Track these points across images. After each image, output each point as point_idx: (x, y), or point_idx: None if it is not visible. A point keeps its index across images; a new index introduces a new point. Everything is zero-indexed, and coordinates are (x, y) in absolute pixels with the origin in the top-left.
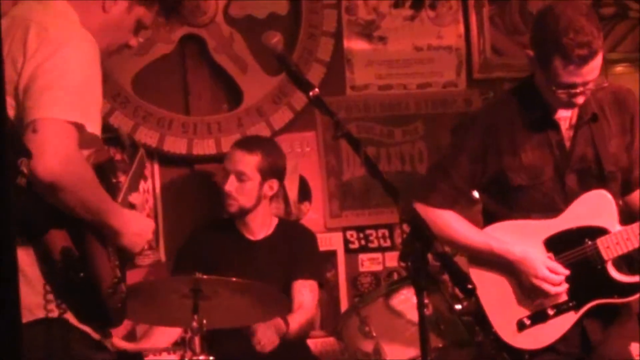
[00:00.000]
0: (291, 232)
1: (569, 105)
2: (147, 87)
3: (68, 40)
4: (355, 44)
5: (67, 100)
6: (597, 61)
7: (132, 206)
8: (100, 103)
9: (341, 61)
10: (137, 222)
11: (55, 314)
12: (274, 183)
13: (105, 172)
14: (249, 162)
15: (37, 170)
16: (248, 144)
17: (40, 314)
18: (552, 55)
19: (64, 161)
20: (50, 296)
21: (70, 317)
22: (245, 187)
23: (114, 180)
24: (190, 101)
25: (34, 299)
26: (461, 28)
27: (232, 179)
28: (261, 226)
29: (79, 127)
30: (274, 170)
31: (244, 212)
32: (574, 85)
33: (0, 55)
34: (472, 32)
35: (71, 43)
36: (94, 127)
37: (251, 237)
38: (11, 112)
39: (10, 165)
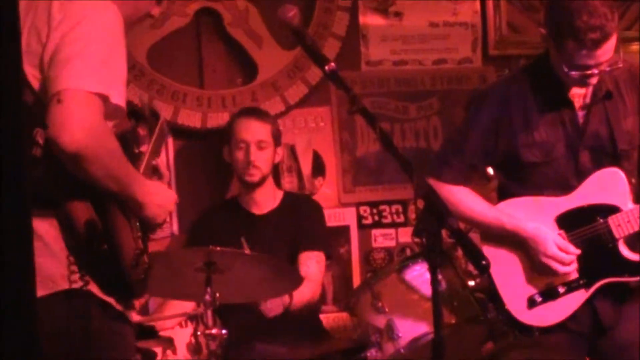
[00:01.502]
0: (297, 205)
1: (583, 84)
2: (162, 60)
3: (92, 11)
4: (370, 19)
5: (91, 71)
6: (611, 43)
7: (154, 175)
8: (125, 74)
9: (356, 36)
10: (160, 193)
11: (78, 285)
12: (280, 149)
13: (128, 143)
14: (266, 130)
15: (62, 141)
16: (258, 113)
17: (64, 285)
18: (565, 38)
19: (88, 132)
20: (74, 267)
21: (93, 288)
22: (265, 154)
23: (137, 151)
24: (204, 75)
25: (58, 270)
26: (477, 4)
27: (253, 148)
28: (267, 199)
29: (104, 98)
30: (280, 137)
31: (263, 180)
32: (587, 67)
33: (18, 28)
34: (488, 8)
35: (95, 14)
36: (119, 98)
37: (257, 212)
38: (36, 83)
39: (26, 135)
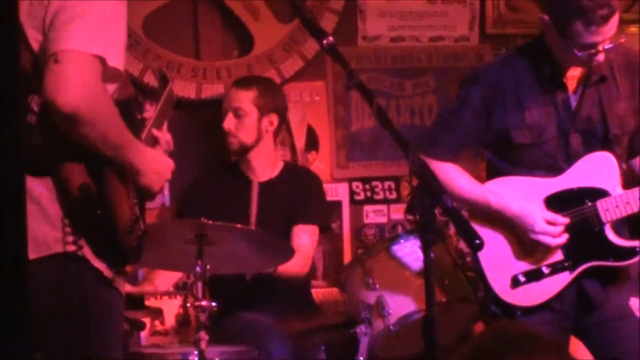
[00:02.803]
0: (296, 176)
1: (589, 63)
2: (158, 30)
3: None
4: None
5: (90, 33)
6: (616, 18)
7: (155, 142)
8: (125, 38)
9: (354, 11)
10: (158, 160)
11: (72, 248)
12: (274, 117)
13: (129, 108)
14: (245, 97)
15: (58, 102)
16: (244, 81)
17: (58, 249)
18: (572, 19)
19: (85, 93)
20: (68, 230)
21: (87, 252)
22: (243, 122)
23: (139, 117)
24: (200, 46)
25: (52, 233)
26: None
27: (229, 116)
28: (265, 167)
29: (102, 60)
30: (271, 105)
31: (245, 149)
32: (594, 45)
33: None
34: None
35: None
36: (117, 62)
37: (254, 179)
38: (36, 45)
39: (21, 102)
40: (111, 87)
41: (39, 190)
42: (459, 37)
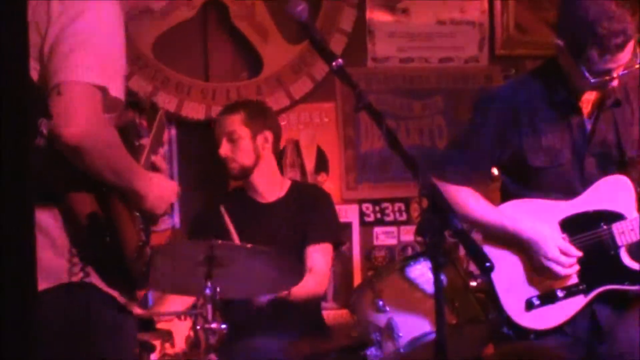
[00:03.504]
0: (305, 194)
1: (603, 89)
2: (168, 52)
3: (92, 4)
4: (377, 15)
5: (91, 63)
6: (632, 44)
7: (154, 168)
8: (124, 67)
9: (363, 32)
10: (161, 184)
11: (78, 277)
12: (267, 134)
13: (127, 135)
14: (235, 120)
15: (62, 134)
16: (231, 106)
17: (65, 279)
18: (586, 46)
19: (89, 124)
20: (76, 259)
21: (96, 280)
22: (239, 145)
23: (137, 143)
24: (210, 67)
25: (60, 263)
26: (485, 3)
27: (224, 142)
28: (270, 187)
29: (104, 90)
30: (262, 123)
31: (247, 172)
32: (609, 72)
33: (25, 18)
34: (496, 7)
35: (95, 6)
36: (118, 91)
37: (262, 200)
38: (35, 75)
39: (31, 126)
40: (111, 116)
41: (47, 220)
42: (468, 58)
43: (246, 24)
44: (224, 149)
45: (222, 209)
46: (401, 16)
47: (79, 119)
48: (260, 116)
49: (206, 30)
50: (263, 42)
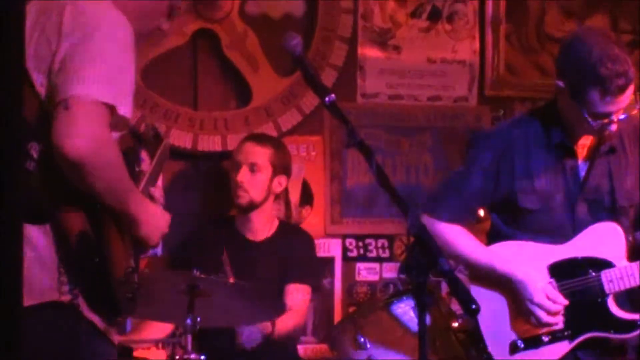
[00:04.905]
0: (290, 235)
1: (602, 132)
2: (157, 79)
3: (104, 23)
4: (369, 51)
5: (100, 80)
6: (632, 87)
7: (151, 198)
8: (133, 87)
9: (353, 67)
10: (157, 214)
11: (67, 298)
12: (283, 179)
13: (129, 160)
14: (262, 154)
15: (65, 149)
16: (259, 137)
17: (53, 297)
18: (588, 87)
19: (93, 141)
20: (64, 279)
21: (81, 303)
22: (257, 179)
23: (137, 169)
24: (199, 96)
25: (48, 280)
26: (476, 44)
27: (244, 169)
28: (264, 226)
29: (111, 109)
30: (283, 166)
31: (253, 206)
32: (609, 115)
33: (22, 39)
34: (487, 48)
35: (107, 26)
36: (126, 110)
37: (252, 238)
38: (42, 90)
39: (21, 149)
40: (116, 135)
41: (37, 237)
42: (457, 98)
43: (237, 53)
44: (243, 176)
45: (225, 256)
46: (392, 53)
47: (84, 134)
48: (284, 158)
49: (196, 58)
50: (253, 72)
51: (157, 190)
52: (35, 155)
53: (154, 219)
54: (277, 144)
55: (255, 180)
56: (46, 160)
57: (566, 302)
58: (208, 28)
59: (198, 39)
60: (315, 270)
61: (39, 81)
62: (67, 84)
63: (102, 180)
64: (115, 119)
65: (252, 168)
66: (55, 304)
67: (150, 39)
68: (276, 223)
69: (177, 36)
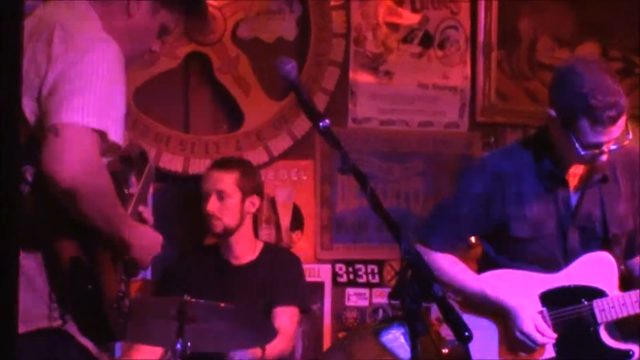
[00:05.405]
0: (275, 257)
1: (593, 162)
2: (148, 101)
3: (93, 47)
4: (360, 76)
5: (91, 106)
6: (624, 118)
7: (140, 219)
8: (124, 112)
9: (345, 92)
10: (148, 236)
11: (58, 324)
12: (255, 199)
13: (118, 183)
14: (228, 179)
15: (56, 176)
16: (224, 163)
17: (44, 324)
18: (579, 117)
19: (84, 168)
20: (55, 305)
21: (72, 328)
22: (227, 205)
23: (126, 192)
24: (190, 119)
25: (39, 307)
26: (468, 70)
27: (213, 198)
28: (245, 249)
29: (102, 135)
30: (252, 187)
31: (228, 232)
32: (600, 145)
33: (20, 60)
34: (479, 74)
35: (96, 50)
36: (117, 135)
37: (235, 262)
38: (31, 116)
39: (18, 172)
40: (108, 160)
41: (28, 263)
42: (448, 124)
43: (229, 77)
44: (212, 206)
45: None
46: (384, 78)
47: (75, 162)
48: (252, 179)
49: (188, 81)
50: (245, 96)
51: (146, 210)
52: (29, 179)
53: (146, 242)
54: (243, 166)
55: (225, 206)
56: (40, 184)
57: (554, 335)
58: (200, 51)
59: (190, 62)
60: (302, 292)
61: (28, 107)
62: (57, 110)
63: (93, 207)
64: (106, 145)
65: (220, 195)
66: (46, 331)
67: (142, 62)
68: (260, 245)
69: (169, 59)
